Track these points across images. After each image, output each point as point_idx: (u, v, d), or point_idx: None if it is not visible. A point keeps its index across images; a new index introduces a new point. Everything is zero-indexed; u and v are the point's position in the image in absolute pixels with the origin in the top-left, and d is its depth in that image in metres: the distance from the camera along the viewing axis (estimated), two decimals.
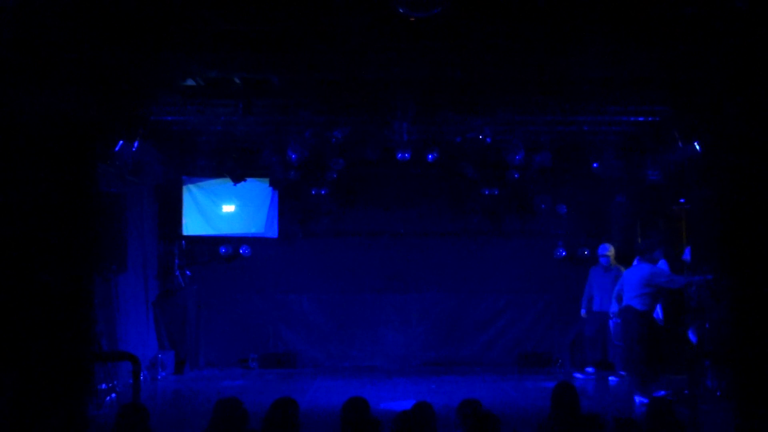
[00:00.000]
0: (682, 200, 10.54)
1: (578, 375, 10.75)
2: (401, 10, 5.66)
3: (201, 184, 11.44)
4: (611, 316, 10.20)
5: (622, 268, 10.16)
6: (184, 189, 11.43)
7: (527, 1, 6.08)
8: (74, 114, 6.04)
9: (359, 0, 6.04)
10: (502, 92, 8.40)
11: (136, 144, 8.62)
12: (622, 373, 10.23)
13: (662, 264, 9.53)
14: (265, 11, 6.12)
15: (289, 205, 11.76)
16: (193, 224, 11.52)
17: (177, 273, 11.62)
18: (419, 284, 11.88)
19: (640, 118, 9.25)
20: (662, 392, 8.59)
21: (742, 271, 6.07)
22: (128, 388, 7.70)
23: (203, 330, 11.73)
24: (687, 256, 9.58)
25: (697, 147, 8.51)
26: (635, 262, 9.28)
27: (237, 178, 10.85)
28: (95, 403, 7.98)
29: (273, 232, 11.70)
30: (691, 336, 9.30)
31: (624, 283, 9.10)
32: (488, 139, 9.26)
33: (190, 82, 8.29)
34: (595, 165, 10.44)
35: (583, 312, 11.02)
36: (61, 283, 5.80)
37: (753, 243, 5.90)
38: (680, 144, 8.64)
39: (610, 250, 10.84)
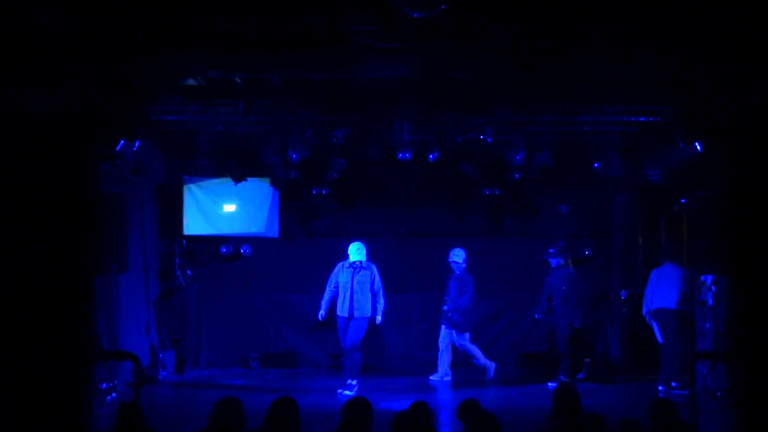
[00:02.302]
0: (682, 200, 10.53)
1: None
2: (403, 10, 5.66)
3: (202, 183, 11.42)
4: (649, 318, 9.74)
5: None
6: (185, 188, 11.42)
7: (528, 1, 6.08)
8: (75, 113, 6.04)
9: (360, 0, 6.05)
10: (502, 92, 8.38)
11: (137, 143, 8.62)
12: None
13: None
14: (266, 11, 6.12)
15: (289, 205, 11.74)
16: (193, 224, 11.51)
17: (178, 272, 11.62)
18: (419, 284, 11.85)
19: (641, 118, 9.24)
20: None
21: (743, 272, 6.07)
22: (128, 387, 7.72)
23: (204, 329, 11.73)
24: None
25: (698, 147, 8.51)
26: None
27: (238, 178, 10.84)
28: (95, 403, 7.98)
29: (274, 232, 11.69)
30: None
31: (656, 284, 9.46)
32: (489, 139, 9.25)
33: (190, 82, 8.28)
34: (595, 165, 10.43)
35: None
36: (61, 283, 5.81)
37: (754, 243, 5.90)
38: (681, 144, 8.63)
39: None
